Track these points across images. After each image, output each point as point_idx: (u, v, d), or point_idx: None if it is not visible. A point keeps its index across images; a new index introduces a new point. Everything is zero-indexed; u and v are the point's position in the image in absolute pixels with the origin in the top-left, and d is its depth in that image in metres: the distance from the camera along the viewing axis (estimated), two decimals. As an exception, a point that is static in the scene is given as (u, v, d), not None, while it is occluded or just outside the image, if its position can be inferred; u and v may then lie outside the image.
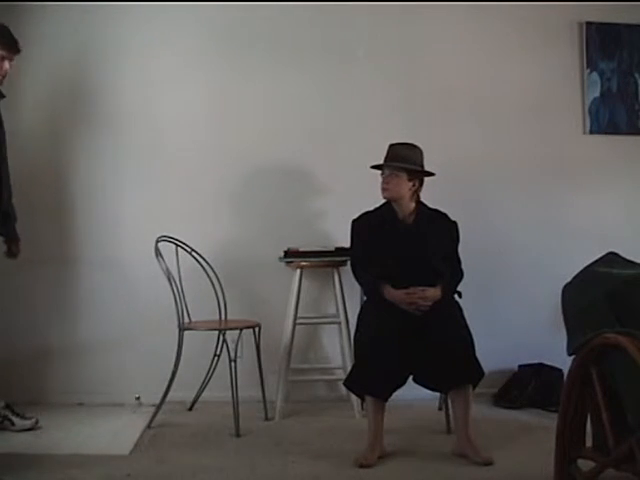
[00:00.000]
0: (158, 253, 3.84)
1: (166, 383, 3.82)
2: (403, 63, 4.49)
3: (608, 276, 2.55)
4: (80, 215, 4.36)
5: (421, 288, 3.39)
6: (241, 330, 3.86)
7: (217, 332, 4.00)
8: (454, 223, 3.65)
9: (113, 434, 3.68)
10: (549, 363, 4.25)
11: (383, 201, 3.62)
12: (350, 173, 4.31)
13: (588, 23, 4.57)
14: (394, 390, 3.30)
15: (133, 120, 4.37)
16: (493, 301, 4.41)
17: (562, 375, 3.95)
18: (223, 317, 3.97)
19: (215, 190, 4.39)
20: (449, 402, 3.48)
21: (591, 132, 4.58)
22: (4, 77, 3.58)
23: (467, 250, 3.68)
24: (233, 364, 3.73)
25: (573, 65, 4.59)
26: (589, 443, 2.61)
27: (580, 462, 2.61)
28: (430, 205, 3.64)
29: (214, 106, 4.42)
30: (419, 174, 3.57)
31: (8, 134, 3.77)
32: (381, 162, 3.60)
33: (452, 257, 3.62)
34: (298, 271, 4.14)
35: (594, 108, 4.58)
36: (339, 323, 4.16)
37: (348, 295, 4.11)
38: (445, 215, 3.66)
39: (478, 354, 3.32)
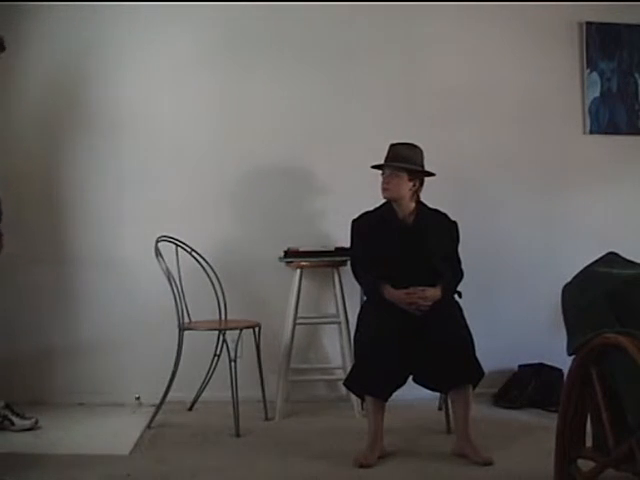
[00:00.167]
0: (158, 253, 3.84)
1: (166, 383, 3.82)
2: (403, 63, 4.49)
3: (608, 276, 2.55)
4: (80, 215, 4.36)
5: (421, 288, 3.39)
6: (241, 330, 3.86)
7: (217, 332, 4.00)
8: (454, 223, 3.65)
9: (113, 434, 3.68)
10: (549, 363, 4.25)
11: (383, 201, 3.62)
12: (350, 173, 4.31)
13: (588, 23, 4.57)
14: (394, 390, 3.30)
15: (133, 120, 4.37)
16: (493, 301, 4.41)
17: (562, 375, 3.95)
18: (223, 317, 3.97)
19: (215, 190, 4.39)
20: (449, 402, 3.48)
21: (591, 132, 4.58)
22: None
23: (467, 250, 3.68)
24: (233, 364, 3.73)
25: (573, 65, 4.59)
26: (589, 443, 2.61)
27: (580, 462, 2.61)
28: (430, 205, 3.64)
29: (214, 106, 4.41)
30: (419, 174, 3.57)
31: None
32: (382, 162, 3.60)
33: (452, 257, 3.62)
34: (298, 271, 4.14)
35: (594, 108, 4.58)
36: (339, 323, 4.16)
37: (348, 295, 4.11)
38: (445, 215, 3.66)
39: (478, 354, 3.32)
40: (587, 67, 4.57)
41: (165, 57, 4.39)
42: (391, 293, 3.42)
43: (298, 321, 4.12)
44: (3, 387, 3.84)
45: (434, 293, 3.41)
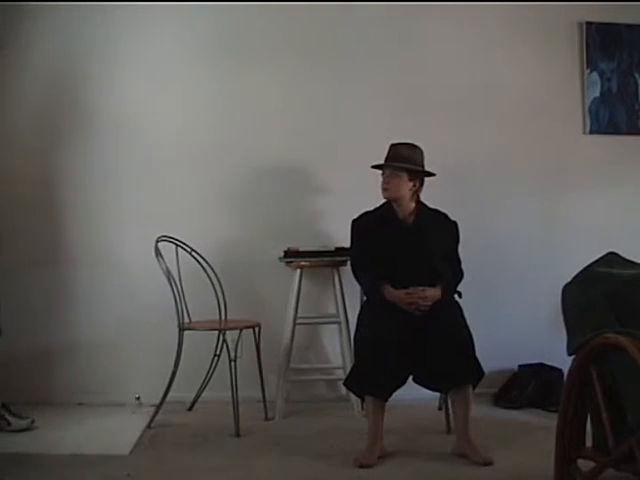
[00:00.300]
0: (158, 253, 3.84)
1: (166, 383, 3.82)
2: (403, 63, 4.48)
3: (608, 276, 2.55)
4: (80, 215, 4.35)
5: (421, 288, 3.39)
6: (241, 330, 3.86)
7: (217, 332, 4.00)
8: (454, 223, 3.65)
9: (113, 434, 3.68)
10: (549, 363, 4.25)
11: (383, 201, 3.62)
12: (350, 173, 4.30)
13: (588, 23, 4.57)
14: (394, 390, 3.30)
15: (133, 120, 4.36)
16: (493, 301, 4.41)
17: (562, 375, 3.95)
18: (223, 317, 3.97)
19: (215, 190, 4.39)
20: (449, 402, 3.48)
21: (591, 132, 4.58)
22: None
23: (467, 250, 3.68)
24: (233, 364, 3.73)
25: (573, 65, 4.60)
26: (589, 443, 2.61)
27: (580, 462, 2.61)
28: (430, 205, 3.64)
29: (214, 106, 4.41)
30: (420, 174, 3.57)
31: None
32: (382, 162, 3.60)
33: (452, 257, 3.61)
34: (298, 271, 4.14)
35: (594, 108, 4.58)
36: (339, 323, 4.16)
37: (348, 295, 4.11)
38: (445, 215, 3.66)
39: (478, 354, 3.32)
40: (587, 67, 4.57)
41: (165, 57, 4.39)
42: (391, 293, 3.41)
43: (298, 321, 4.12)
44: (3, 387, 3.84)
45: (434, 293, 3.41)
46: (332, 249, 4.17)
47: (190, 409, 4.16)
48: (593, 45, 4.57)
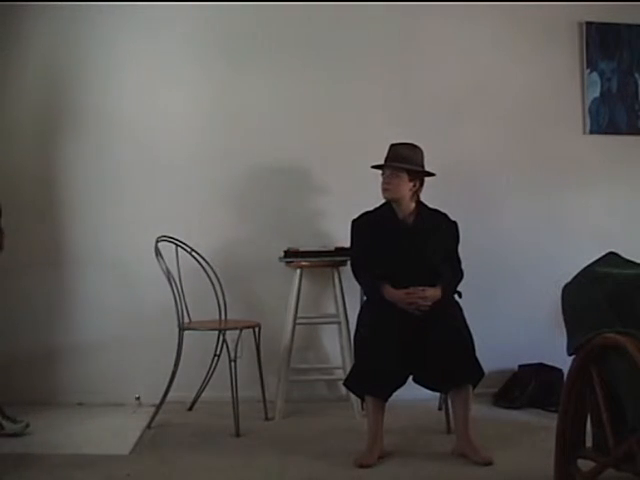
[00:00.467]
0: (158, 253, 3.84)
1: (166, 383, 3.82)
2: (403, 63, 4.48)
3: (608, 276, 2.55)
4: (80, 215, 4.35)
5: (421, 288, 3.39)
6: (241, 330, 3.86)
7: (217, 332, 4.00)
8: (454, 223, 3.65)
9: (113, 434, 3.68)
10: (549, 363, 4.25)
11: (383, 201, 3.62)
12: (350, 173, 4.31)
13: (588, 23, 4.57)
14: (394, 390, 3.30)
15: (133, 120, 4.36)
16: (493, 301, 4.41)
17: (562, 375, 3.95)
18: (223, 317, 3.97)
19: (215, 190, 4.39)
20: (449, 402, 3.48)
21: (591, 132, 4.58)
22: None
23: (467, 250, 3.68)
24: (233, 364, 3.73)
25: (573, 65, 4.59)
26: (589, 443, 2.61)
27: (580, 462, 2.61)
28: (430, 205, 3.64)
29: (214, 106, 4.41)
30: (420, 174, 3.57)
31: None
32: (382, 162, 3.60)
33: (452, 257, 3.62)
34: (298, 271, 4.14)
35: (594, 108, 4.58)
36: (339, 323, 4.16)
37: (348, 295, 4.11)
38: (445, 215, 3.66)
39: (478, 354, 3.32)
40: (587, 67, 4.57)
41: (165, 57, 4.38)
42: (391, 293, 3.41)
43: (298, 321, 4.12)
44: (3, 387, 3.84)
45: (434, 293, 3.41)
46: (332, 249, 4.16)
47: (190, 409, 4.16)
48: (593, 45, 4.57)
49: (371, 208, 3.65)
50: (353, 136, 4.40)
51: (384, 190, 3.56)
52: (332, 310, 4.25)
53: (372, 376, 3.27)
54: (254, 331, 3.95)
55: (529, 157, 4.55)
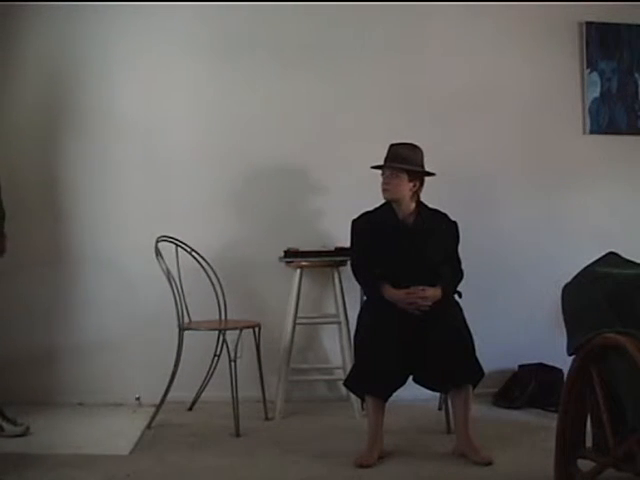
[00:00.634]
0: (158, 253, 3.84)
1: (166, 383, 3.82)
2: (403, 63, 4.48)
3: (608, 276, 2.55)
4: (79, 215, 4.35)
5: (421, 287, 3.39)
6: (241, 330, 3.86)
7: (217, 332, 4.00)
8: (454, 223, 3.65)
9: (113, 434, 3.68)
10: (549, 363, 4.25)
11: (383, 201, 3.62)
12: (350, 173, 4.30)
13: (588, 23, 4.57)
14: (394, 390, 3.30)
15: (132, 120, 4.36)
16: (493, 301, 4.41)
17: (562, 375, 3.95)
18: (223, 317, 3.97)
19: (215, 190, 4.39)
20: (449, 402, 3.48)
21: (591, 132, 4.58)
22: None
23: (467, 250, 3.68)
24: (233, 364, 3.72)
25: (573, 65, 4.59)
26: (589, 443, 2.61)
27: (580, 462, 2.61)
28: (430, 205, 3.64)
29: (214, 106, 4.41)
30: (420, 174, 3.57)
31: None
32: (381, 162, 3.60)
33: (452, 257, 3.61)
34: (298, 271, 4.14)
35: (594, 108, 4.58)
36: (339, 323, 4.16)
37: (348, 295, 4.11)
38: (445, 215, 3.66)
39: (478, 354, 3.32)
40: (587, 67, 4.57)
41: (164, 58, 4.38)
42: (391, 293, 3.41)
43: (298, 321, 4.12)
44: (3, 387, 3.84)
45: (434, 293, 3.41)
46: (332, 249, 4.17)
47: (190, 409, 4.16)
48: (593, 45, 4.57)
49: (371, 208, 3.65)
50: (353, 136, 4.40)
51: (384, 190, 3.56)
52: (332, 310, 4.25)
53: (372, 376, 3.27)
54: (254, 331, 3.95)
55: (529, 157, 4.55)
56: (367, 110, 4.44)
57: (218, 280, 4.01)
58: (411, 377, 3.37)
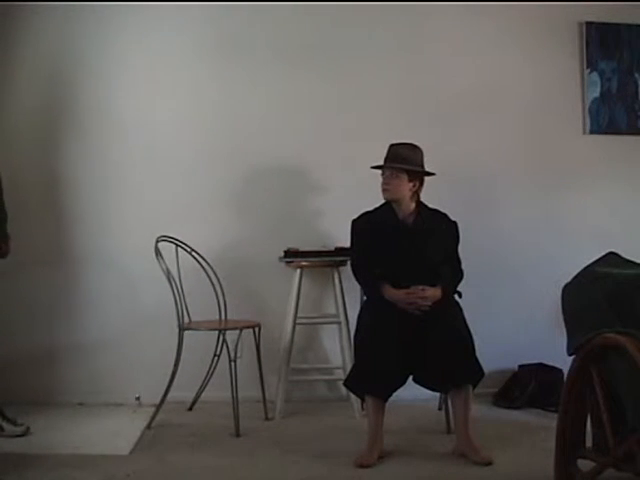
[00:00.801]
0: (158, 253, 3.84)
1: (166, 383, 3.82)
2: (403, 63, 4.48)
3: (608, 276, 2.55)
4: (80, 215, 4.35)
5: (421, 287, 3.39)
6: (241, 330, 3.86)
7: (217, 332, 4.00)
8: (454, 223, 3.65)
9: (113, 434, 3.68)
10: (549, 363, 4.25)
11: (383, 201, 3.62)
12: (350, 173, 4.30)
13: (588, 23, 4.57)
14: (394, 390, 3.30)
15: (133, 120, 4.36)
16: (493, 301, 4.40)
17: (562, 375, 3.95)
18: (223, 317, 3.97)
19: (215, 190, 4.39)
20: (449, 402, 3.48)
21: (591, 132, 4.58)
22: None
23: (467, 250, 3.68)
24: (233, 364, 3.72)
25: (573, 65, 4.59)
26: (589, 443, 2.61)
27: (580, 462, 2.61)
28: (430, 205, 3.64)
29: (215, 106, 4.41)
30: (420, 174, 3.57)
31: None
32: (381, 162, 3.60)
33: (452, 257, 3.61)
34: (298, 271, 4.14)
35: (594, 108, 4.58)
36: (339, 323, 4.16)
37: (348, 295, 4.11)
38: (445, 215, 3.66)
39: (478, 354, 3.32)
40: (587, 67, 4.57)
41: (164, 58, 4.38)
42: (391, 293, 3.41)
43: (298, 321, 4.12)
44: (3, 387, 3.84)
45: (434, 293, 3.41)
46: (332, 249, 4.17)
47: (190, 409, 4.16)
48: (593, 45, 4.57)
49: (371, 208, 3.65)
50: (354, 136, 4.40)
51: (384, 191, 3.56)
52: (332, 310, 4.25)
53: (372, 376, 3.27)
54: (254, 331, 3.95)
55: (529, 157, 4.55)
56: (367, 110, 4.44)
57: (218, 280, 4.01)
58: (411, 377, 3.37)
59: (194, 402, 4.18)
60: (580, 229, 4.52)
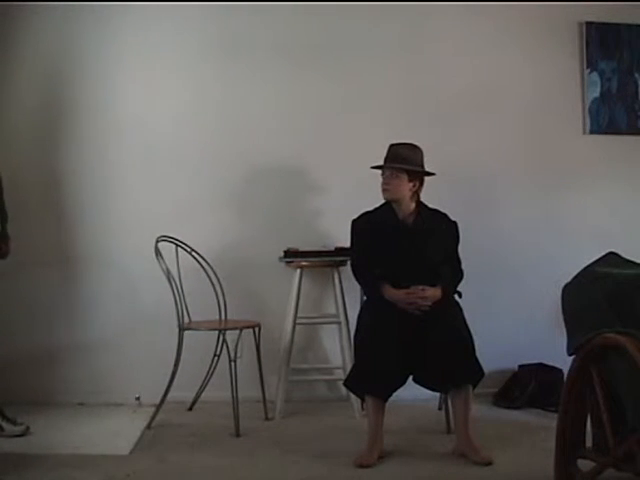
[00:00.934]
0: (158, 253, 3.84)
1: (166, 383, 3.82)
2: (403, 63, 4.48)
3: (608, 276, 2.55)
4: (80, 215, 4.35)
5: (421, 287, 3.39)
6: (241, 330, 3.86)
7: (217, 332, 4.00)
8: (454, 223, 3.65)
9: (113, 434, 3.68)
10: (549, 363, 4.25)
11: (383, 201, 3.62)
12: (350, 173, 4.30)
13: (588, 23, 4.57)
14: (394, 390, 3.30)
15: (133, 120, 4.36)
16: (493, 301, 4.41)
17: (562, 375, 3.95)
18: (223, 317, 3.97)
19: (215, 190, 4.39)
20: (449, 402, 3.48)
21: (591, 132, 4.58)
22: None
23: (467, 250, 3.68)
24: (233, 364, 3.72)
25: (573, 65, 4.59)
26: (589, 443, 2.61)
27: (580, 462, 2.61)
28: (430, 205, 3.64)
29: (214, 106, 4.41)
30: (419, 174, 3.57)
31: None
32: (381, 162, 3.60)
33: (452, 257, 3.61)
34: (298, 271, 4.14)
35: (594, 108, 4.58)
36: (339, 323, 4.16)
37: (348, 295, 4.12)
38: (445, 215, 3.66)
39: (478, 354, 3.32)
40: (587, 67, 4.57)
41: (164, 57, 4.38)
42: (391, 293, 3.42)
43: (298, 321, 4.12)
44: (3, 387, 3.83)
45: (434, 293, 3.41)
46: (332, 249, 4.17)
47: (190, 409, 4.16)
48: (593, 45, 4.57)
49: (371, 208, 3.65)
50: (354, 136, 4.40)
51: (384, 191, 3.56)
52: (332, 310, 4.25)
53: (372, 376, 3.27)
54: (254, 331, 3.95)
55: (529, 157, 4.55)
56: (367, 110, 4.44)
57: (218, 280, 4.01)
58: (411, 377, 3.37)
59: (194, 402, 4.18)
60: (580, 229, 4.52)
